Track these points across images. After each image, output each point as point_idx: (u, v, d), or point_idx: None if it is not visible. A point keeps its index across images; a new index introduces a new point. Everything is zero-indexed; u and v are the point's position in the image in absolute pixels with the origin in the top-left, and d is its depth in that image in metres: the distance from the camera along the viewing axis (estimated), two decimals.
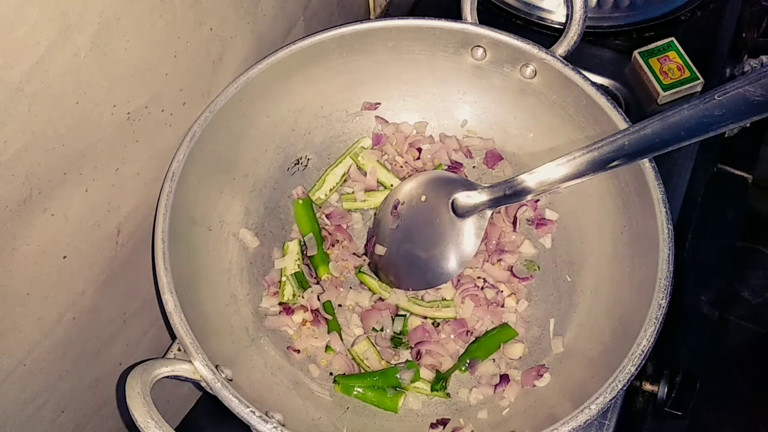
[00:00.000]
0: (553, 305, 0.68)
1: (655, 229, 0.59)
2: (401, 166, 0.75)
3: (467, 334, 0.67)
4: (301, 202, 0.72)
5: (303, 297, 0.68)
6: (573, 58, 0.69)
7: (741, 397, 1.17)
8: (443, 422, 0.62)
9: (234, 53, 0.65)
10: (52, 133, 0.47)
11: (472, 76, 0.73)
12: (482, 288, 0.69)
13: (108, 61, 0.49)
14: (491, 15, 0.90)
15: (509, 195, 0.65)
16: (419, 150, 0.75)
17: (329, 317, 0.67)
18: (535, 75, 0.70)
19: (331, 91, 0.74)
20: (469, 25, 0.70)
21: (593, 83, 0.66)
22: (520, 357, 0.66)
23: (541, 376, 0.63)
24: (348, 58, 0.72)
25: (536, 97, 0.71)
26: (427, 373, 0.65)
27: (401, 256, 0.69)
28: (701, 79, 0.82)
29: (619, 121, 0.64)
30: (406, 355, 0.67)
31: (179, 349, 0.55)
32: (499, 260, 0.70)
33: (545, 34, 0.88)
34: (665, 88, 0.81)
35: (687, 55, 0.83)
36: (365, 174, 0.74)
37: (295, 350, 0.66)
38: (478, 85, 0.74)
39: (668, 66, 0.83)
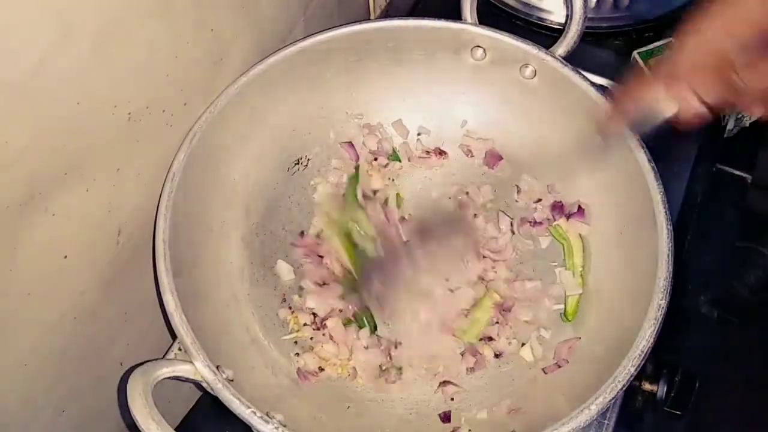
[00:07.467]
0: None
1: (655, 229, 0.59)
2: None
3: None
4: None
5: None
6: (573, 59, 0.69)
7: (741, 397, 1.17)
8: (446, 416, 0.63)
9: (235, 53, 0.65)
10: (53, 133, 0.47)
11: (472, 76, 0.73)
12: None
13: (109, 62, 0.49)
14: (491, 15, 0.90)
15: None
16: None
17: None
18: (535, 75, 0.70)
19: (330, 91, 0.74)
20: (469, 26, 0.70)
21: (593, 83, 0.66)
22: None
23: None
24: (348, 58, 0.72)
25: (536, 97, 0.71)
26: None
27: None
28: None
29: None
30: None
31: (180, 349, 0.55)
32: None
33: (545, 34, 0.88)
34: None
35: None
36: None
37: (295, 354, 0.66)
38: (478, 85, 0.74)
39: None
